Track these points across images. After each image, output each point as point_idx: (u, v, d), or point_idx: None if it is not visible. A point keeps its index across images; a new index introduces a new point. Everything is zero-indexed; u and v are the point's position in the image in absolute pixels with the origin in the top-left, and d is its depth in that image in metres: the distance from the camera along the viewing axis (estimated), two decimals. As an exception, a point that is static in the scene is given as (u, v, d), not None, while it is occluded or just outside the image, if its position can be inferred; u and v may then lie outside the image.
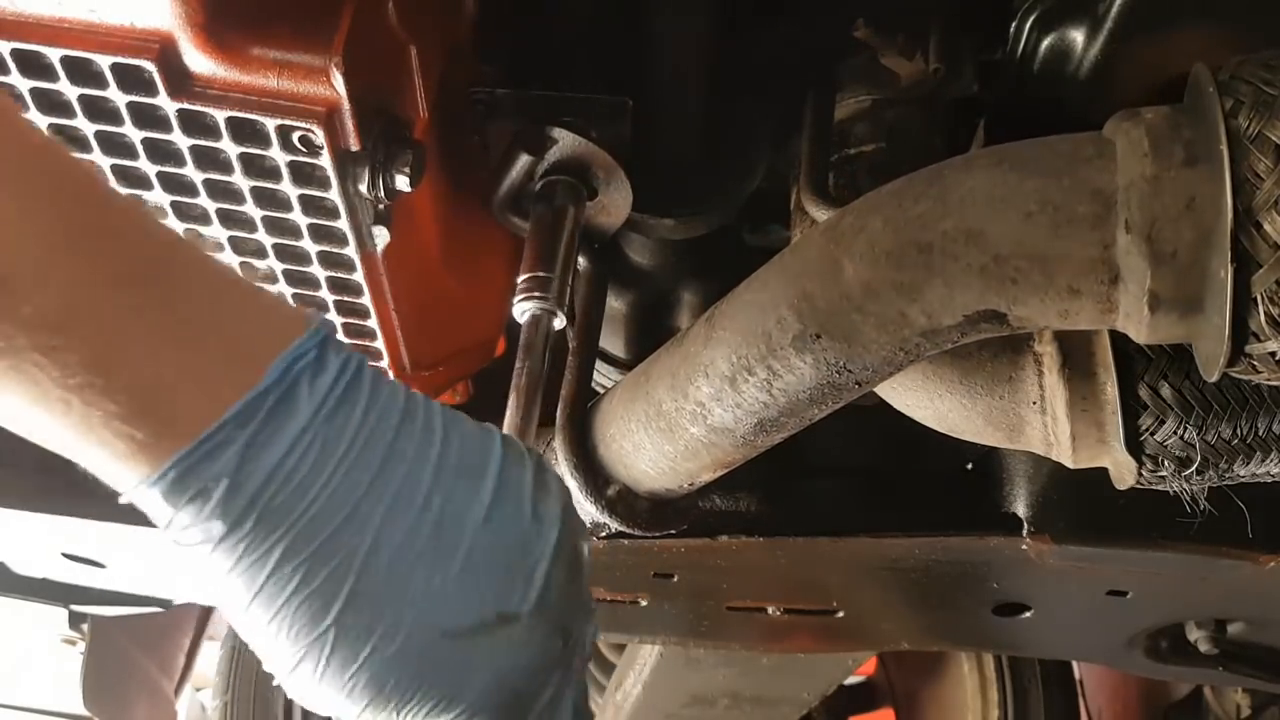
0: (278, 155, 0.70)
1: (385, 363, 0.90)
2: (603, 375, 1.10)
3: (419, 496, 0.54)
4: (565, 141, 0.85)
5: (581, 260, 0.94)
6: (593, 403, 0.86)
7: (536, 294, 0.83)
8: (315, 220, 0.75)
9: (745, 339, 0.70)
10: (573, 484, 0.83)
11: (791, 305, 0.68)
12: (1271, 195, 0.56)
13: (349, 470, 0.52)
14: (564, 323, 0.84)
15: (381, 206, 0.75)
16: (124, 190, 0.75)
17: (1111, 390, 0.74)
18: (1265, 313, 0.57)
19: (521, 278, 0.84)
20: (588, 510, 0.83)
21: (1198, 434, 0.72)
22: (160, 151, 0.72)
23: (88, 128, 0.70)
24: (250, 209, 0.75)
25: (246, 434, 0.50)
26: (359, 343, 0.88)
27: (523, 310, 0.84)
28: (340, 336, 0.56)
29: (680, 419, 0.76)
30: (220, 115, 0.68)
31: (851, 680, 2.08)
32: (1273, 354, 0.59)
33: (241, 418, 0.50)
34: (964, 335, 0.66)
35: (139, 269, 0.49)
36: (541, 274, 0.83)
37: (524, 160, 0.86)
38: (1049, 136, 0.65)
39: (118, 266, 0.49)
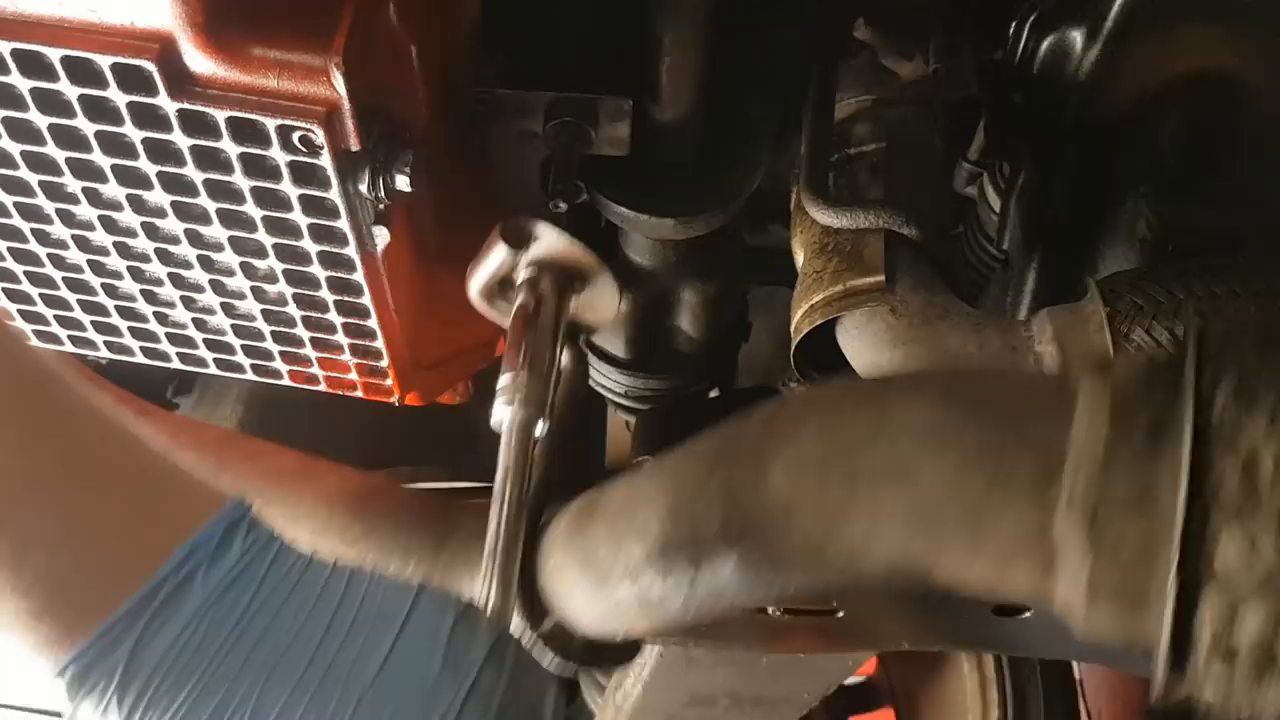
0: (278, 155, 0.70)
1: (385, 363, 0.90)
2: (603, 375, 1.10)
3: (301, 662, 0.53)
4: (548, 238, 0.81)
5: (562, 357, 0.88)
6: (547, 519, 0.77)
7: (517, 398, 0.77)
8: (315, 220, 0.75)
9: (677, 511, 0.63)
10: (516, 608, 0.75)
11: (720, 493, 0.61)
12: (1232, 504, 0.46)
13: (232, 648, 0.52)
14: (546, 428, 0.79)
15: (381, 206, 0.75)
16: (124, 191, 0.75)
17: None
18: (1211, 638, 0.47)
19: (501, 381, 0.79)
20: (525, 637, 0.75)
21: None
22: (160, 151, 0.72)
23: (88, 128, 0.71)
24: (250, 209, 0.75)
25: (138, 628, 0.51)
26: (359, 342, 0.88)
27: (499, 419, 0.77)
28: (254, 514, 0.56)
29: (612, 573, 0.67)
30: (220, 115, 0.68)
31: (851, 680, 2.08)
32: (1215, 687, 0.48)
33: (135, 612, 0.51)
34: (887, 585, 0.57)
35: (65, 464, 0.51)
36: (522, 376, 0.78)
37: (504, 251, 0.82)
38: (1011, 371, 0.58)
39: (41, 464, 0.50)
